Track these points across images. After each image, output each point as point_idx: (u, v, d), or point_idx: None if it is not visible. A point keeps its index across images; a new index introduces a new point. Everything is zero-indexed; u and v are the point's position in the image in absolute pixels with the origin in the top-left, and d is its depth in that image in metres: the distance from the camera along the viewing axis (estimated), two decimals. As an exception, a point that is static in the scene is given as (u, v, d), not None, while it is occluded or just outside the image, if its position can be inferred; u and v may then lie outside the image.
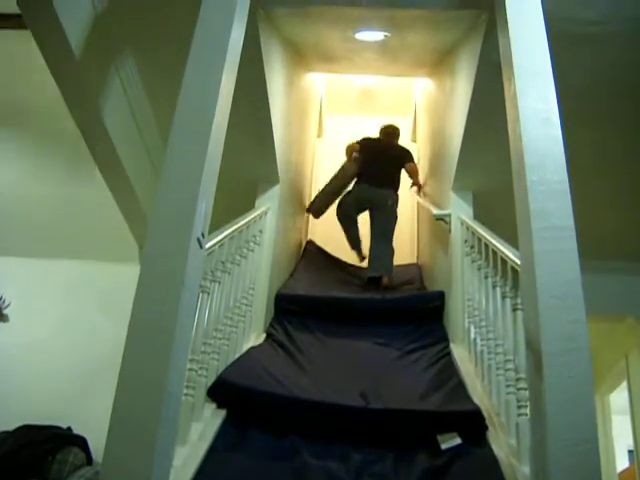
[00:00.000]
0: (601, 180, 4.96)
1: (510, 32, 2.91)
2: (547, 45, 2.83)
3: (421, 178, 7.33)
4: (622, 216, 5.38)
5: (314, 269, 6.47)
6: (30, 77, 4.77)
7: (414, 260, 7.80)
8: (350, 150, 7.32)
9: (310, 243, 7.42)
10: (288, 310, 5.01)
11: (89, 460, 4.73)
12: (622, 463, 8.03)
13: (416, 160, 8.12)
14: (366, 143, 7.26)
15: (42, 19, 3.45)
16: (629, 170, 4.87)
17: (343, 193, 7.19)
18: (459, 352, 4.32)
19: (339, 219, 7.08)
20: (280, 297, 5.13)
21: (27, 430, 4.73)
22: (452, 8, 3.82)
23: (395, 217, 6.86)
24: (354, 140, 7.41)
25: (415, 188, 7.18)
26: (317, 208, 7.32)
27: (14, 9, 3.43)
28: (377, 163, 7.07)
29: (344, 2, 3.84)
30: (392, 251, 6.61)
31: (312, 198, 7.73)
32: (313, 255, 6.97)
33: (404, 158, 7.18)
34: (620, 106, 4.33)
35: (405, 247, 8.03)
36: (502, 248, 3.59)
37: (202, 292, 3.26)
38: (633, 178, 4.92)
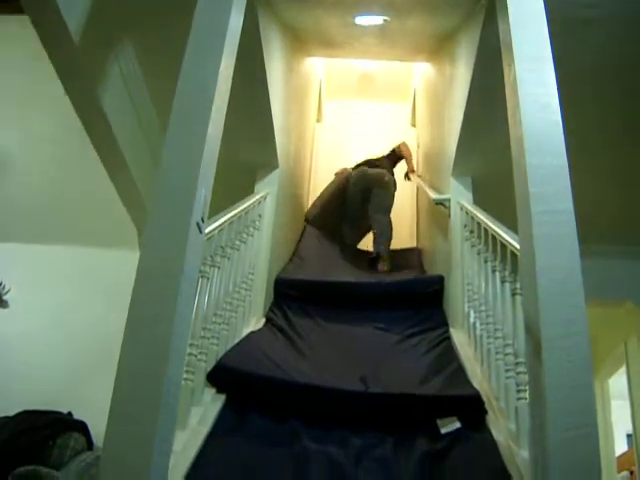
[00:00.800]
0: (601, 164, 4.95)
1: (510, 17, 2.90)
2: (547, 30, 2.83)
3: (419, 168, 7.41)
4: (622, 200, 5.38)
5: (312, 252, 6.46)
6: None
7: (414, 244, 7.81)
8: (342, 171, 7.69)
9: (307, 228, 7.40)
10: (287, 295, 5.02)
11: (90, 445, 4.74)
12: (621, 447, 8.04)
13: (415, 145, 8.16)
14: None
15: (40, 4, 3.44)
16: (629, 154, 4.86)
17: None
18: (459, 336, 4.32)
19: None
20: (279, 282, 5.13)
21: (27, 415, 4.73)
22: (452, -8, 3.82)
23: (392, 195, 6.98)
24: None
25: (412, 175, 7.31)
26: (314, 214, 7.38)
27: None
28: (367, 162, 7.47)
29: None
30: (391, 228, 6.82)
31: (311, 183, 7.80)
32: (310, 239, 6.95)
33: (391, 154, 7.56)
34: (621, 88, 4.31)
35: (405, 231, 8.03)
36: (501, 233, 3.59)
37: (202, 277, 3.26)
38: (633, 162, 4.92)
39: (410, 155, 7.47)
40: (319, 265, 6.01)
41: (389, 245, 6.69)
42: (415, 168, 7.51)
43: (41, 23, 3.54)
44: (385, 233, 6.74)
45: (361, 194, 7.17)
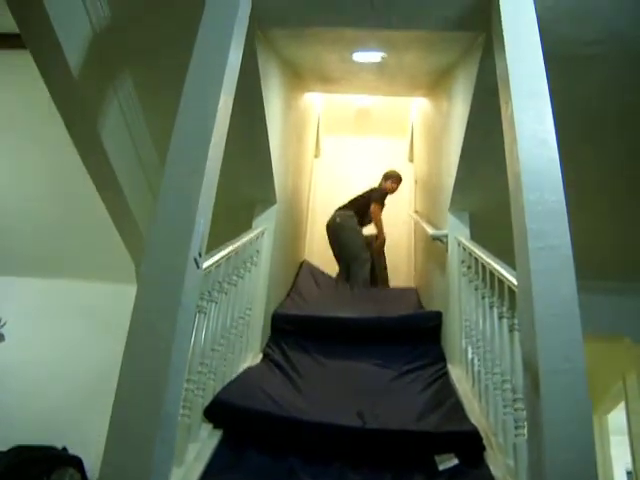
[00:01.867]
0: (599, 200, 4.97)
1: (507, 54, 2.93)
2: (544, 66, 2.85)
3: (416, 203, 7.49)
4: (621, 237, 5.39)
5: (309, 289, 6.46)
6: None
7: (411, 280, 7.81)
8: None
9: (305, 263, 7.43)
10: (285, 330, 5.00)
11: (85, 481, 4.72)
12: (620, 484, 8.01)
13: (413, 180, 8.19)
14: None
15: (41, 39, 3.47)
16: (626, 190, 4.88)
17: None
18: (456, 372, 4.31)
19: None
20: (277, 317, 5.12)
21: (22, 450, 4.71)
22: (449, 30, 3.83)
23: (350, 237, 7.34)
24: None
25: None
26: None
27: (13, 28, 3.45)
28: (352, 201, 7.73)
29: (342, 23, 3.86)
30: (364, 273, 7.07)
31: (308, 218, 7.84)
32: (308, 275, 6.97)
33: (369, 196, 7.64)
34: (617, 125, 4.34)
35: (402, 268, 8.04)
36: (499, 268, 3.59)
37: (199, 312, 3.26)
38: (630, 198, 4.93)
39: (378, 221, 7.55)
40: (317, 300, 6.00)
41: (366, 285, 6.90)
42: (384, 238, 7.56)
43: (42, 57, 3.58)
44: (358, 282, 6.94)
45: (334, 243, 7.48)
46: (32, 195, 5.52)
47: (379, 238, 7.48)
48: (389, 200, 7.84)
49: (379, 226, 7.45)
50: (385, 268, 7.65)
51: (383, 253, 7.65)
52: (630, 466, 6.46)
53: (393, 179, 7.78)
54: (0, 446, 4.76)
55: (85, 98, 3.91)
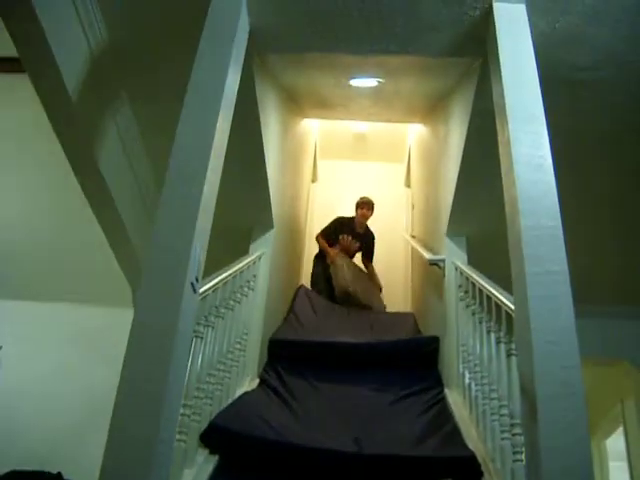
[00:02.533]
0: (596, 224, 4.97)
1: (503, 79, 2.95)
2: (540, 91, 2.87)
3: (413, 228, 7.55)
4: (620, 261, 5.39)
5: (306, 313, 6.45)
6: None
7: (408, 307, 7.79)
8: None
9: (302, 287, 7.42)
10: (281, 355, 4.99)
11: (79, 507, 4.68)
12: (620, 511, 7.95)
13: (410, 205, 8.22)
14: None
15: (40, 63, 3.49)
16: (623, 214, 4.89)
17: None
18: (454, 397, 4.30)
19: None
20: (273, 343, 5.11)
21: (16, 476, 4.67)
22: (445, 55, 3.85)
23: (314, 272, 7.61)
24: None
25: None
26: None
27: (12, 52, 3.46)
28: None
29: (339, 49, 3.87)
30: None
31: (305, 243, 7.85)
32: (305, 299, 6.96)
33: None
34: (614, 150, 4.36)
35: (399, 294, 8.03)
36: (496, 293, 3.59)
37: (195, 337, 3.25)
38: (628, 222, 4.94)
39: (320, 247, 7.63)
40: (314, 324, 5.99)
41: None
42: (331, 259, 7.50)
43: (40, 80, 3.59)
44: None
45: None
46: (30, 218, 5.52)
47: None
48: (385, 225, 7.87)
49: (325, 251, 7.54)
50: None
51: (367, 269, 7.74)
52: (630, 492, 6.42)
53: (362, 206, 7.68)
54: (-5, 471, 4.74)
55: (83, 121, 3.92)
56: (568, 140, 3.96)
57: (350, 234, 7.51)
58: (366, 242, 7.65)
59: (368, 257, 7.76)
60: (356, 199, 7.77)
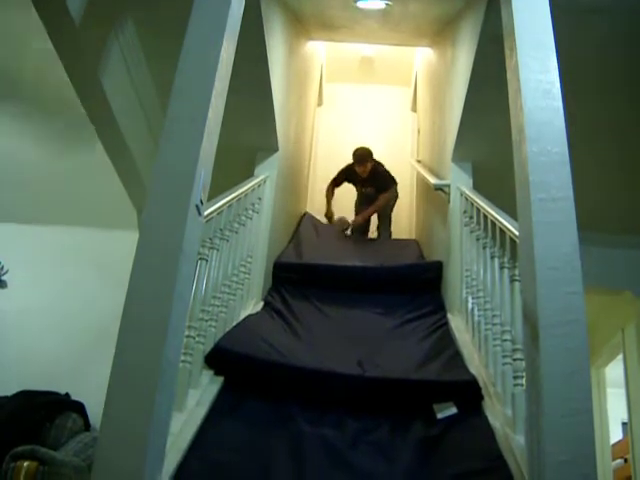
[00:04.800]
0: (605, 153, 4.94)
1: (513, 2, 2.89)
2: (550, 16, 2.82)
3: (419, 153, 7.46)
4: (627, 190, 5.36)
5: (311, 239, 6.46)
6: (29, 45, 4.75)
7: (412, 234, 7.80)
8: None
9: (307, 214, 7.43)
10: (286, 278, 5.02)
11: (87, 426, 4.76)
12: (616, 435, 8.07)
13: (416, 130, 8.14)
14: None
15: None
16: (634, 143, 4.84)
17: None
18: (456, 322, 4.33)
19: None
20: (278, 266, 5.13)
21: (25, 396, 4.74)
22: (455, -24, 3.80)
23: None
24: None
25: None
26: None
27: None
28: None
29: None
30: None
31: (310, 169, 7.81)
32: (309, 225, 6.97)
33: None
34: (623, 76, 4.30)
35: (403, 221, 8.03)
36: (501, 219, 3.58)
37: (200, 259, 3.25)
38: (635, 153, 4.90)
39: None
40: (319, 250, 6.00)
41: None
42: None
43: (42, 4, 3.53)
44: None
45: None
46: (35, 143, 5.50)
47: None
48: (391, 150, 7.83)
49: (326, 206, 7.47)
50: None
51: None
52: (626, 418, 6.50)
53: (358, 163, 7.27)
54: (4, 392, 4.79)
55: (86, 44, 3.86)
56: (577, 67, 3.91)
57: (360, 183, 7.42)
58: (377, 180, 7.32)
59: (383, 191, 7.33)
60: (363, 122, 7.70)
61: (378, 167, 7.28)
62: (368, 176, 7.17)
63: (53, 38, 3.73)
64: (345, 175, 7.40)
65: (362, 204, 7.48)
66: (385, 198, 7.20)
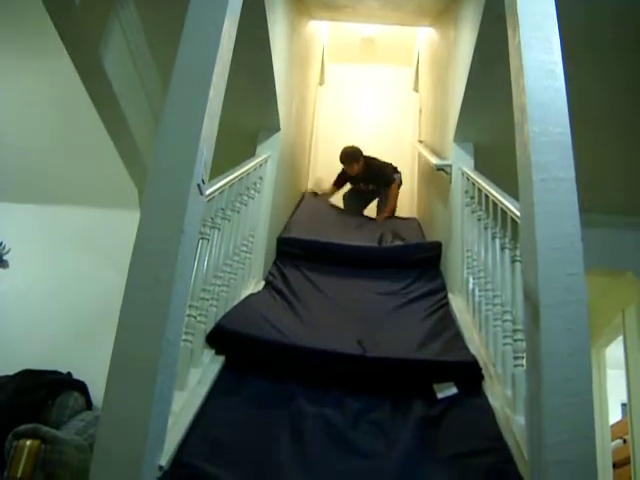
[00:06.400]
0: (605, 134, 4.93)
1: (515, -19, 2.87)
2: (553, -5, 2.80)
3: (421, 133, 7.42)
4: (628, 171, 5.35)
5: (312, 217, 6.46)
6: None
7: (413, 212, 7.80)
8: None
9: (308, 192, 7.44)
10: (287, 255, 5.04)
11: (89, 405, 4.77)
12: (615, 416, 8.11)
13: (417, 110, 8.11)
14: None
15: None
16: (636, 124, 4.83)
17: None
18: (457, 302, 4.34)
19: None
20: (282, 241, 5.17)
21: (27, 375, 4.75)
22: (457, -44, 3.77)
23: None
24: None
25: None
26: None
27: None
28: None
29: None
30: None
31: (312, 148, 7.79)
32: (310, 204, 6.96)
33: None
34: (626, 57, 4.28)
35: (405, 200, 8.01)
36: (502, 199, 3.59)
37: (202, 239, 3.25)
38: (637, 134, 4.89)
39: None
40: (319, 228, 5.99)
41: None
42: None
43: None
44: None
45: None
46: (33, 120, 5.48)
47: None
48: (392, 130, 7.81)
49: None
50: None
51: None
52: (625, 399, 6.52)
53: (346, 165, 7.26)
54: (6, 371, 4.81)
55: (87, 22, 3.85)
56: (579, 45, 3.90)
57: (358, 183, 7.41)
58: (374, 176, 7.26)
59: (386, 185, 7.26)
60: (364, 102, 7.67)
61: (370, 163, 7.23)
62: (364, 175, 7.18)
63: (54, 18, 3.72)
64: (343, 177, 7.45)
65: (354, 198, 7.57)
66: (395, 196, 7.20)
